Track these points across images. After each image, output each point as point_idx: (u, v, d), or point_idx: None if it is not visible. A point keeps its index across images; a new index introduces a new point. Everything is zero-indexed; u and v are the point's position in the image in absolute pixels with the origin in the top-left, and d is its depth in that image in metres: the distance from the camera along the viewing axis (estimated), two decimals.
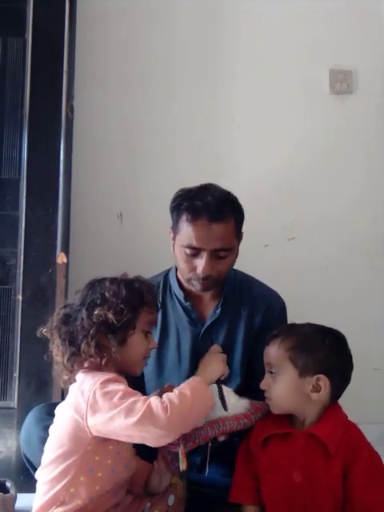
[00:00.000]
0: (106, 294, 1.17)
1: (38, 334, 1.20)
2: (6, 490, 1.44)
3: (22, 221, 1.73)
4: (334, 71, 2.07)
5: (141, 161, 2.02)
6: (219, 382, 1.25)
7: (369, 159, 2.09)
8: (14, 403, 1.67)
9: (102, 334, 1.14)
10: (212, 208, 1.34)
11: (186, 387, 1.12)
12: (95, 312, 1.14)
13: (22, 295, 1.70)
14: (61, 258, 1.71)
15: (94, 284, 1.21)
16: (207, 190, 1.40)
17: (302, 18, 2.08)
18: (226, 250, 1.38)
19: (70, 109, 1.79)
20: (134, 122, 2.01)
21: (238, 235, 1.43)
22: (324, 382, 1.16)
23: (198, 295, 1.49)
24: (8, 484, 1.45)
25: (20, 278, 1.71)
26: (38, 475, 1.15)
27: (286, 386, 1.18)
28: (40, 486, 1.13)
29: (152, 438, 1.06)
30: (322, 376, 1.16)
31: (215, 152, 2.04)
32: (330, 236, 2.05)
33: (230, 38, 2.05)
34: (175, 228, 1.43)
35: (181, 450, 1.14)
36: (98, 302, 1.16)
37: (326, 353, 1.18)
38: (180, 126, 2.03)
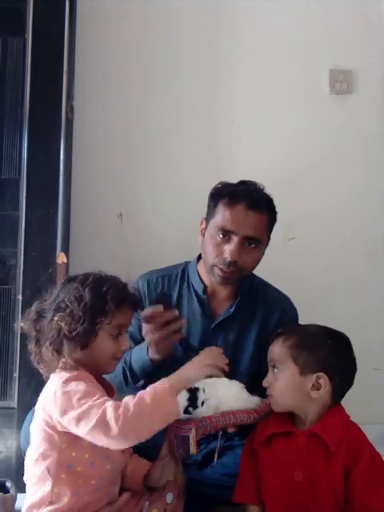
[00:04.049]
0: (67, 300, 1.14)
1: (18, 329, 1.22)
2: (5, 490, 1.44)
3: (22, 221, 1.73)
4: (333, 71, 2.07)
5: (141, 161, 2.01)
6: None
7: (368, 159, 2.09)
8: (14, 403, 1.67)
9: (60, 338, 1.12)
10: (253, 196, 1.42)
11: (148, 394, 1.08)
12: (55, 318, 1.13)
13: (22, 295, 1.70)
14: (61, 258, 1.71)
15: (65, 284, 1.19)
16: (250, 183, 1.47)
17: (302, 17, 2.08)
18: (255, 241, 1.42)
19: (70, 109, 1.79)
20: (133, 122, 2.01)
21: (268, 234, 1.48)
22: (324, 381, 1.17)
23: (214, 291, 1.51)
24: (8, 484, 1.45)
25: (20, 278, 1.71)
26: (25, 480, 1.15)
27: (287, 383, 1.19)
28: (27, 490, 1.14)
29: (109, 445, 1.05)
30: (321, 374, 1.17)
31: (215, 152, 2.04)
32: (329, 236, 2.05)
33: (231, 38, 2.05)
34: (211, 213, 1.47)
35: (192, 434, 1.15)
36: (61, 307, 1.14)
37: (328, 352, 1.19)
38: (180, 126, 2.03)
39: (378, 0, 2.11)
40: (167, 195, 2.01)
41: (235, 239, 1.40)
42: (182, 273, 1.57)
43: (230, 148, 2.04)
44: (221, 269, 1.42)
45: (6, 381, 1.70)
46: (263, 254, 1.48)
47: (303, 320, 1.56)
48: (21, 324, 1.20)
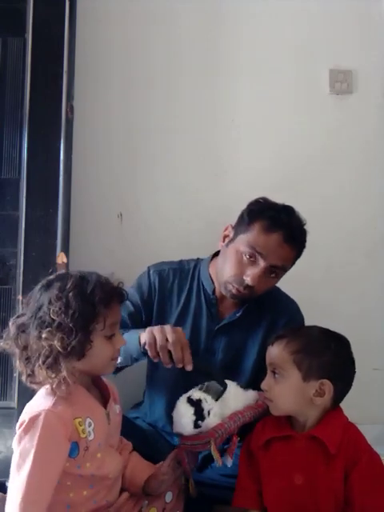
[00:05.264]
0: (52, 313, 1.04)
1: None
2: (6, 490, 1.43)
3: (22, 221, 1.73)
4: (333, 71, 2.07)
5: (141, 161, 2.01)
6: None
7: (368, 159, 2.09)
8: (14, 403, 1.67)
9: (54, 356, 1.04)
10: (293, 230, 1.41)
11: None
12: (43, 335, 1.04)
13: (22, 295, 1.69)
14: (61, 258, 1.71)
15: (43, 292, 1.09)
16: (292, 212, 1.45)
17: (302, 18, 2.07)
18: (280, 270, 1.42)
19: (70, 109, 1.79)
20: (134, 122, 2.01)
21: (290, 267, 1.47)
22: (328, 387, 1.16)
23: (223, 294, 1.50)
24: (8, 484, 1.45)
25: (20, 278, 1.71)
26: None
27: (289, 389, 1.18)
28: None
29: None
30: (326, 381, 1.16)
31: (215, 152, 2.04)
32: (329, 236, 2.05)
33: (231, 38, 2.05)
34: (243, 228, 1.44)
35: (212, 447, 1.15)
36: (46, 321, 1.04)
37: (331, 358, 1.18)
38: (180, 126, 2.03)
39: (378, 0, 2.11)
40: (167, 195, 2.01)
41: (261, 265, 1.39)
42: (193, 269, 1.57)
43: (230, 148, 2.04)
44: (235, 287, 1.41)
45: (5, 381, 1.70)
46: (277, 282, 1.48)
47: (304, 321, 1.56)
48: (1, 344, 1.10)
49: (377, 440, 1.26)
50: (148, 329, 1.31)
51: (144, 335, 1.31)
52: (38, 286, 1.11)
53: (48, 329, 1.04)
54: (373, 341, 2.03)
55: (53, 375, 1.04)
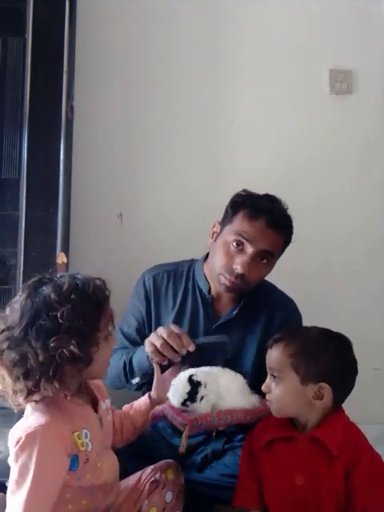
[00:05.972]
0: (59, 317, 0.97)
1: None
2: (5, 490, 1.43)
3: (22, 221, 1.72)
4: (333, 71, 2.07)
5: (141, 161, 2.01)
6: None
7: (368, 159, 2.09)
8: None
9: (64, 365, 0.98)
10: (275, 215, 1.41)
11: None
12: (51, 344, 0.96)
13: None
14: (61, 258, 1.71)
15: (34, 300, 1.00)
16: (274, 199, 1.47)
17: (302, 18, 2.07)
18: (268, 254, 1.42)
19: (70, 109, 1.79)
20: (134, 122, 2.01)
21: (280, 254, 1.48)
22: (327, 391, 1.16)
23: (219, 292, 1.50)
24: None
25: (20, 278, 1.71)
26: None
27: (288, 392, 1.17)
28: None
29: None
30: (324, 384, 1.15)
31: (215, 152, 2.04)
32: (329, 236, 2.05)
33: (231, 38, 2.05)
34: (228, 220, 1.46)
35: (185, 433, 1.16)
36: (51, 328, 0.97)
37: (329, 360, 1.17)
38: (180, 126, 2.03)
39: (378, 0, 2.11)
40: (167, 195, 2.01)
41: (249, 252, 1.40)
42: (187, 270, 1.58)
43: (230, 148, 2.04)
44: (228, 278, 1.42)
45: None
46: (269, 271, 1.48)
47: (304, 321, 1.56)
48: None
49: (377, 440, 1.26)
50: (146, 340, 1.34)
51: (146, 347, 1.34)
52: (23, 296, 1.02)
53: (55, 336, 0.97)
54: (373, 341, 2.03)
55: (62, 385, 0.99)
